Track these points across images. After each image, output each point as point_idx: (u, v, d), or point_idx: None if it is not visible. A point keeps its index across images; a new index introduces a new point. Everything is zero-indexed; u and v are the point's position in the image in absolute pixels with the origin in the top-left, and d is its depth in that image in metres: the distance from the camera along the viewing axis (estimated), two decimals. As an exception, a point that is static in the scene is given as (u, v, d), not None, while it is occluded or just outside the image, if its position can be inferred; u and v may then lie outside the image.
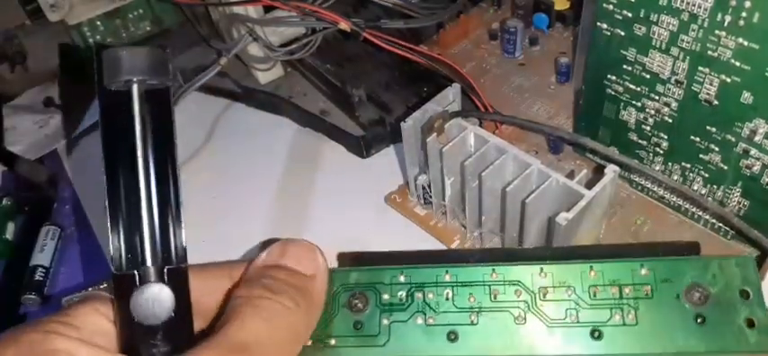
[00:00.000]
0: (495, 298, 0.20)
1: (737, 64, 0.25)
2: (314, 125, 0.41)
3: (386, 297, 0.20)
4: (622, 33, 0.28)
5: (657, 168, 0.31)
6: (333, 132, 0.40)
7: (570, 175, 0.27)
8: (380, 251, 0.22)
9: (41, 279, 0.34)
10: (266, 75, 0.44)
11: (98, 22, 0.46)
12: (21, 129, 0.44)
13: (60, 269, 0.35)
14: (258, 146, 0.41)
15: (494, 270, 0.20)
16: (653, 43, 0.27)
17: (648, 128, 0.30)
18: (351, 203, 0.35)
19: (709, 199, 0.29)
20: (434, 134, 0.30)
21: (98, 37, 0.47)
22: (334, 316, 0.20)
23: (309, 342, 0.19)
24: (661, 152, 0.30)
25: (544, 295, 0.20)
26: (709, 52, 0.25)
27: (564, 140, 0.34)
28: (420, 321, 0.20)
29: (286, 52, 0.41)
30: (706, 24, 0.25)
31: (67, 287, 0.34)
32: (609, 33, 0.28)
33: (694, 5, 0.24)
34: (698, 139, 0.28)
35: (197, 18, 0.45)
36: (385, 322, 0.20)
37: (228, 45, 0.42)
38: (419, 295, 0.20)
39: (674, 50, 0.26)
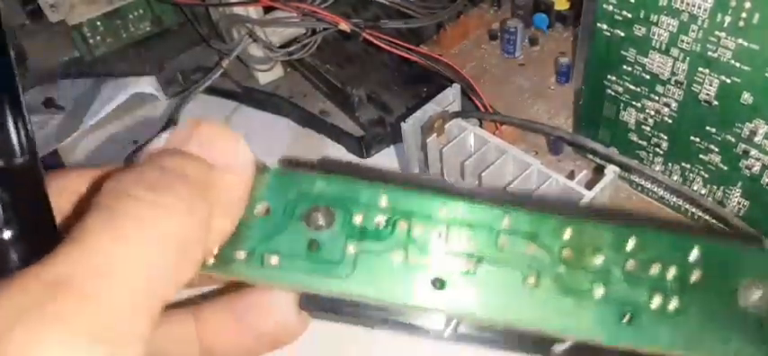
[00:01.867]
0: (501, 248, 0.15)
1: (737, 64, 0.25)
2: (314, 125, 0.41)
3: (358, 219, 0.15)
4: (622, 34, 0.28)
5: (657, 169, 0.31)
6: (333, 132, 0.40)
7: (570, 176, 0.27)
8: (361, 164, 0.17)
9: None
10: (266, 76, 0.44)
11: (98, 23, 0.46)
12: (21, 129, 0.44)
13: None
14: (258, 146, 0.41)
15: (507, 214, 0.15)
16: (653, 44, 0.27)
17: (648, 128, 0.30)
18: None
19: (709, 199, 0.29)
20: (434, 134, 0.30)
21: (98, 37, 0.47)
22: (282, 230, 0.15)
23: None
24: (661, 152, 0.30)
25: (566, 258, 0.15)
26: (709, 53, 0.25)
27: (564, 141, 0.34)
28: (398, 258, 0.15)
29: (286, 53, 0.41)
30: (706, 25, 0.25)
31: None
32: (609, 34, 0.28)
33: (694, 6, 0.24)
34: (698, 140, 0.28)
35: (197, 18, 0.45)
36: (351, 249, 0.15)
37: (228, 45, 0.42)
38: (403, 225, 0.15)
39: (674, 51, 0.26)
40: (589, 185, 0.27)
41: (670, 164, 0.30)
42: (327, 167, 0.15)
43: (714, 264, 0.15)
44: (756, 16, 0.23)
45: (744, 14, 0.23)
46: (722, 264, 0.15)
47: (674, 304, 0.15)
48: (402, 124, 0.31)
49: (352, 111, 0.40)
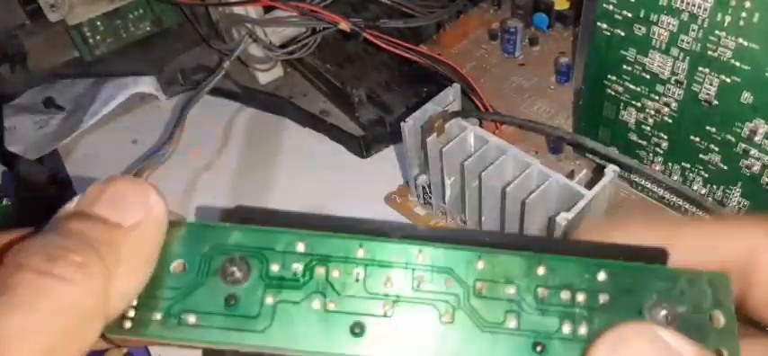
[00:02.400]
0: (418, 286, 0.15)
1: (737, 64, 0.25)
2: (314, 125, 0.41)
3: (275, 268, 0.15)
4: (622, 33, 0.28)
5: (657, 168, 0.31)
6: (333, 132, 0.40)
7: (570, 175, 0.27)
8: (277, 210, 0.17)
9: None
10: (266, 76, 0.44)
11: (98, 23, 0.46)
12: (21, 129, 0.44)
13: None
14: (258, 146, 0.41)
15: (421, 250, 0.16)
16: (653, 43, 0.27)
17: (648, 128, 0.30)
18: (351, 203, 0.35)
19: (709, 199, 0.29)
20: (434, 134, 0.30)
21: (98, 37, 0.47)
22: (199, 286, 0.15)
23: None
24: (661, 152, 0.30)
25: (480, 290, 0.16)
26: (709, 52, 0.25)
27: (564, 140, 0.34)
28: (317, 305, 0.15)
29: (286, 52, 0.41)
30: (706, 24, 0.25)
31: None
32: (609, 33, 0.28)
33: (694, 6, 0.24)
34: (698, 139, 0.28)
35: (197, 18, 0.45)
36: (269, 301, 0.15)
37: (228, 45, 0.42)
38: (321, 271, 0.15)
39: (674, 50, 0.26)
40: (589, 185, 0.27)
41: (670, 164, 0.30)
42: (244, 215, 0.16)
43: (620, 286, 0.16)
44: (756, 16, 0.23)
45: (744, 14, 0.23)
46: (628, 285, 0.16)
47: (583, 330, 0.15)
48: (402, 124, 0.31)
49: (352, 111, 0.40)
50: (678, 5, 0.25)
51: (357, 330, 0.15)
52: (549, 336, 0.15)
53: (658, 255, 0.16)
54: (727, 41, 0.24)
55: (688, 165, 0.29)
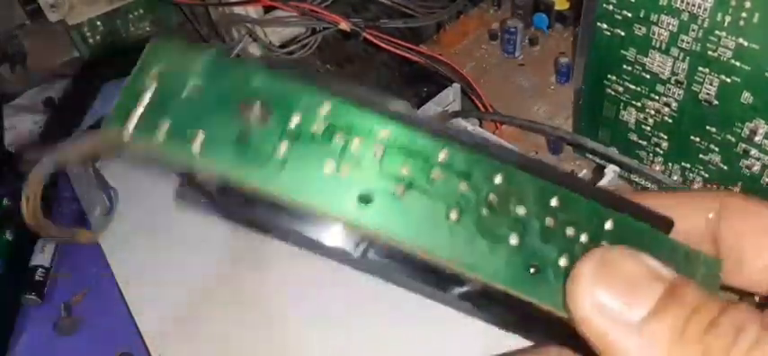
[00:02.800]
0: (433, 179, 0.15)
1: (737, 64, 0.25)
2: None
3: (295, 121, 0.15)
4: (622, 33, 0.28)
5: (657, 168, 0.31)
6: (333, 132, 0.40)
7: (570, 175, 0.27)
8: (308, 67, 0.16)
9: (42, 279, 0.34)
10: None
11: (98, 23, 0.46)
12: (21, 128, 0.44)
13: (61, 269, 0.35)
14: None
15: (445, 147, 0.15)
16: (653, 43, 0.27)
17: (648, 128, 0.30)
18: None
19: (709, 199, 0.29)
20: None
21: (98, 37, 0.47)
22: (214, 112, 0.14)
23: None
24: (661, 152, 0.30)
25: (491, 202, 0.16)
26: (710, 52, 0.25)
27: (564, 140, 0.34)
28: (330, 166, 0.15)
29: (286, 52, 0.41)
30: (706, 24, 0.25)
31: (68, 287, 0.34)
32: (609, 33, 0.28)
33: (694, 6, 0.24)
34: (698, 139, 0.28)
35: (197, 18, 0.45)
36: (282, 148, 0.14)
37: (228, 45, 0.42)
38: (340, 137, 0.15)
39: (674, 50, 0.26)
40: (589, 185, 0.27)
41: (670, 164, 0.30)
42: (275, 66, 0.15)
43: (623, 240, 0.16)
44: (756, 16, 0.23)
45: (744, 14, 0.23)
46: (630, 241, 0.16)
47: None
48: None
49: (352, 111, 0.40)
50: (678, 5, 0.25)
51: (365, 200, 0.15)
52: (544, 263, 0.16)
53: (664, 224, 0.17)
54: (728, 41, 0.24)
55: (688, 165, 0.29)
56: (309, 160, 0.15)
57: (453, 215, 0.15)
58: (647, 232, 0.16)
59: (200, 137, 0.14)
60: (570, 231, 0.16)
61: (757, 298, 0.18)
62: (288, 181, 0.14)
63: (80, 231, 0.22)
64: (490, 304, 0.17)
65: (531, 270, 0.15)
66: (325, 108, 0.15)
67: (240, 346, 0.30)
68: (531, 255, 0.16)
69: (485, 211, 0.15)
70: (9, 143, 0.43)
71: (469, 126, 0.30)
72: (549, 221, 0.16)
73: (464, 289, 0.17)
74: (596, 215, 0.16)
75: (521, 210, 0.16)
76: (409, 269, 0.16)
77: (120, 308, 0.32)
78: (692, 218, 0.18)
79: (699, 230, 0.18)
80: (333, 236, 0.16)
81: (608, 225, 0.16)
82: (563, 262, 0.16)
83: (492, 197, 0.16)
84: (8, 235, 0.37)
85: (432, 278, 0.16)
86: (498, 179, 0.16)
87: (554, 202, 0.16)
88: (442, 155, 0.15)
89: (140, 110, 0.14)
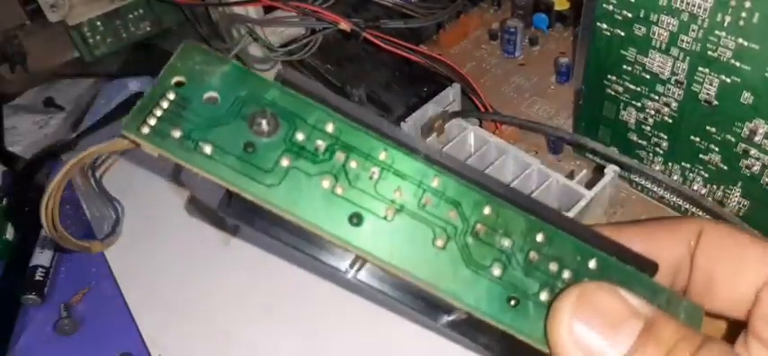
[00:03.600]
0: (424, 205, 0.16)
1: (737, 64, 0.24)
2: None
3: (300, 137, 0.16)
4: (622, 33, 0.28)
5: (657, 168, 0.31)
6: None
7: (570, 175, 0.27)
8: (319, 85, 0.17)
9: (41, 279, 0.34)
10: (266, 76, 0.44)
11: (98, 23, 0.46)
12: (21, 128, 0.44)
13: (60, 269, 0.35)
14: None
15: (437, 175, 0.16)
16: (653, 43, 0.27)
17: (648, 128, 0.30)
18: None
19: (709, 199, 0.29)
20: (434, 134, 0.30)
21: (98, 37, 0.47)
22: (224, 123, 0.15)
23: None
24: (661, 152, 0.30)
25: (478, 232, 0.16)
26: (709, 52, 0.25)
27: (564, 140, 0.34)
28: (327, 184, 0.15)
29: (286, 52, 0.41)
30: (706, 25, 0.25)
31: (68, 287, 0.34)
32: (609, 33, 0.28)
33: (694, 6, 0.24)
34: (698, 139, 0.28)
35: (197, 18, 0.45)
36: (285, 162, 0.15)
37: (228, 45, 0.42)
38: (340, 156, 0.16)
39: (674, 50, 0.26)
40: (589, 185, 0.27)
41: (670, 164, 0.30)
42: (288, 82, 0.17)
43: (606, 279, 0.16)
44: (756, 16, 0.23)
45: (744, 14, 0.23)
46: (613, 281, 0.16)
47: None
48: (402, 124, 0.31)
49: (352, 111, 0.40)
50: (678, 5, 0.25)
51: (355, 220, 0.15)
52: (525, 296, 0.16)
53: (649, 266, 0.17)
54: (727, 41, 0.24)
55: (688, 165, 0.29)
56: (308, 176, 0.15)
57: (440, 241, 0.16)
58: (631, 273, 0.17)
59: (208, 147, 0.15)
60: (554, 266, 0.16)
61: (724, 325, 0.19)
62: (285, 195, 0.15)
63: (93, 242, 0.23)
64: (477, 333, 0.17)
65: (512, 301, 0.16)
66: (330, 126, 0.16)
67: (239, 347, 0.30)
68: (512, 287, 0.16)
69: (470, 240, 0.16)
70: (9, 143, 0.43)
71: (469, 126, 0.30)
72: (533, 255, 0.16)
73: (452, 317, 0.17)
74: (581, 253, 0.17)
75: (506, 242, 0.16)
76: (400, 293, 0.17)
77: (120, 309, 0.32)
78: (675, 246, 0.18)
79: (682, 257, 0.18)
80: (330, 254, 0.16)
81: (592, 263, 0.17)
82: (544, 296, 0.16)
83: (479, 227, 0.16)
84: (8, 236, 0.36)
85: (421, 304, 0.17)
86: (487, 210, 0.16)
87: (540, 237, 0.16)
88: (434, 182, 0.16)
89: (158, 113, 0.15)
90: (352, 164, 0.16)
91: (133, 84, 0.45)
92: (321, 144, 0.16)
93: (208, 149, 0.15)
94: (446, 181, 0.16)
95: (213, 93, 0.16)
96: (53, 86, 0.47)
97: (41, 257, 0.35)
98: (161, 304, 0.32)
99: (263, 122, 0.15)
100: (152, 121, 0.15)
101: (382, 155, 0.16)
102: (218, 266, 0.33)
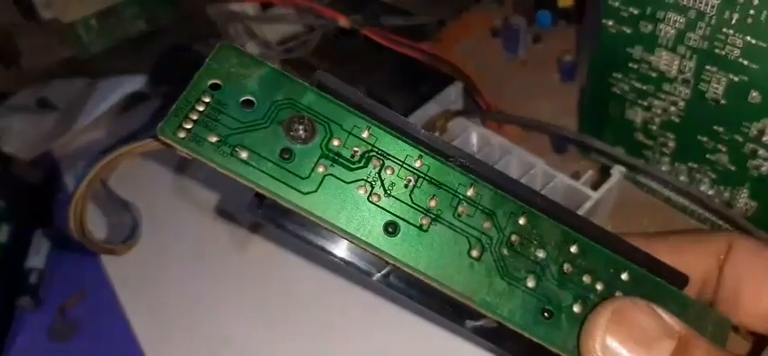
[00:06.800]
0: (459, 215, 0.16)
1: (745, 62, 0.24)
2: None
3: (336, 143, 0.16)
4: (628, 31, 0.27)
5: (664, 169, 0.30)
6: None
7: (575, 176, 0.27)
8: (355, 90, 0.17)
9: (36, 281, 0.33)
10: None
11: (92, 21, 0.45)
12: (15, 129, 0.44)
13: (55, 271, 0.35)
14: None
15: (473, 184, 0.16)
16: (659, 41, 0.26)
17: (655, 127, 0.29)
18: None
19: (717, 200, 0.29)
20: (436, 133, 0.30)
21: (92, 35, 0.46)
22: (261, 128, 0.15)
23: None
24: (668, 152, 0.30)
25: (513, 243, 0.16)
26: (717, 50, 0.25)
27: (568, 140, 0.34)
28: (362, 192, 0.15)
29: (284, 50, 0.40)
30: (713, 22, 0.24)
31: (62, 289, 0.34)
32: (614, 31, 0.27)
33: (702, 3, 0.24)
34: (705, 139, 0.28)
35: (193, 15, 0.45)
36: (321, 169, 0.15)
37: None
38: (376, 164, 0.16)
39: (681, 48, 0.26)
40: (595, 186, 0.26)
41: (677, 164, 0.30)
42: (324, 86, 0.16)
43: (637, 291, 0.17)
44: (765, 13, 0.22)
45: (752, 11, 0.23)
46: (644, 293, 0.16)
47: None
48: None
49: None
50: (685, 2, 0.24)
51: (391, 229, 0.15)
52: (559, 308, 0.16)
53: (679, 279, 0.18)
54: (735, 39, 0.24)
55: (695, 166, 0.29)
56: (344, 184, 0.15)
57: (475, 252, 0.16)
58: (662, 286, 0.17)
59: (245, 153, 0.15)
60: (587, 278, 0.16)
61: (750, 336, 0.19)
62: (321, 203, 0.15)
63: (118, 246, 0.23)
64: (503, 340, 0.17)
65: (545, 314, 0.16)
66: (365, 132, 0.16)
67: (236, 350, 0.29)
68: (546, 299, 0.16)
69: (506, 251, 0.16)
70: (3, 143, 0.43)
71: (472, 125, 0.29)
72: (567, 267, 0.16)
73: (479, 323, 0.17)
74: (614, 265, 0.17)
75: (541, 253, 0.16)
76: (426, 297, 0.17)
77: (115, 313, 0.32)
78: (704, 259, 0.19)
79: (711, 270, 0.19)
80: (360, 260, 0.16)
81: (624, 276, 0.17)
82: (577, 308, 0.16)
83: (514, 237, 0.16)
84: (2, 238, 0.36)
85: (447, 309, 0.17)
86: (522, 220, 0.16)
87: (574, 249, 0.16)
88: (470, 191, 0.16)
89: (195, 117, 0.15)
90: (388, 172, 0.16)
91: (128, 84, 0.45)
92: (357, 150, 0.16)
93: (244, 154, 0.15)
94: (482, 190, 0.16)
95: (249, 97, 0.15)
96: (47, 86, 0.47)
97: (36, 259, 0.34)
98: (157, 308, 0.31)
99: (301, 128, 0.15)
100: (188, 125, 0.15)
101: (417, 163, 0.16)
102: (216, 270, 0.33)
